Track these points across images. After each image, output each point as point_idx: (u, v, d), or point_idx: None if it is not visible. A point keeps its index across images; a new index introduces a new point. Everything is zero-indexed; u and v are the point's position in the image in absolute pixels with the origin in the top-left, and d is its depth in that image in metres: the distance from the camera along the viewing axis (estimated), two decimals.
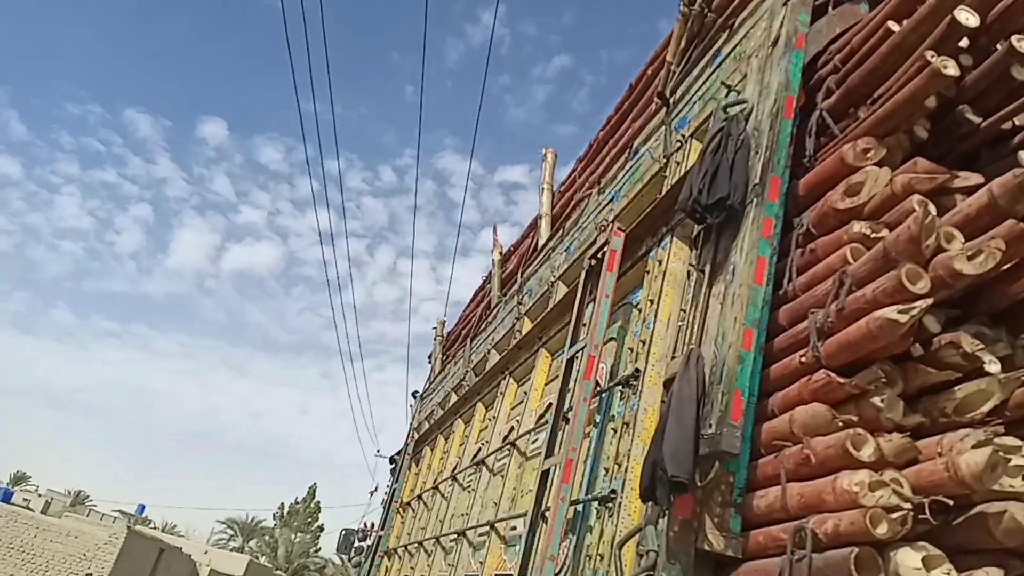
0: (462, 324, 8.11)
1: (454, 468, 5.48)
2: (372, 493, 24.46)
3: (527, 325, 4.72)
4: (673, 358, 2.26)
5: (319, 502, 59.45)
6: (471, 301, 7.91)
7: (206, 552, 33.57)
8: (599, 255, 3.16)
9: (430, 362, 9.30)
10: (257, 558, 41.28)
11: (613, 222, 2.96)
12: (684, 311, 2.35)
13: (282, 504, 58.65)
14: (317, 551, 58.75)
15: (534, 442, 3.74)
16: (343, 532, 10.99)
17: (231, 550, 46.35)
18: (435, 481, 6.01)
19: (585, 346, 2.93)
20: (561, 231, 4.39)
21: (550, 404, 3.71)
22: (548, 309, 4.14)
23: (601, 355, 2.75)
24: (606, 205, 3.71)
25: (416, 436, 7.72)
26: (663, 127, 3.17)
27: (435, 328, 8.94)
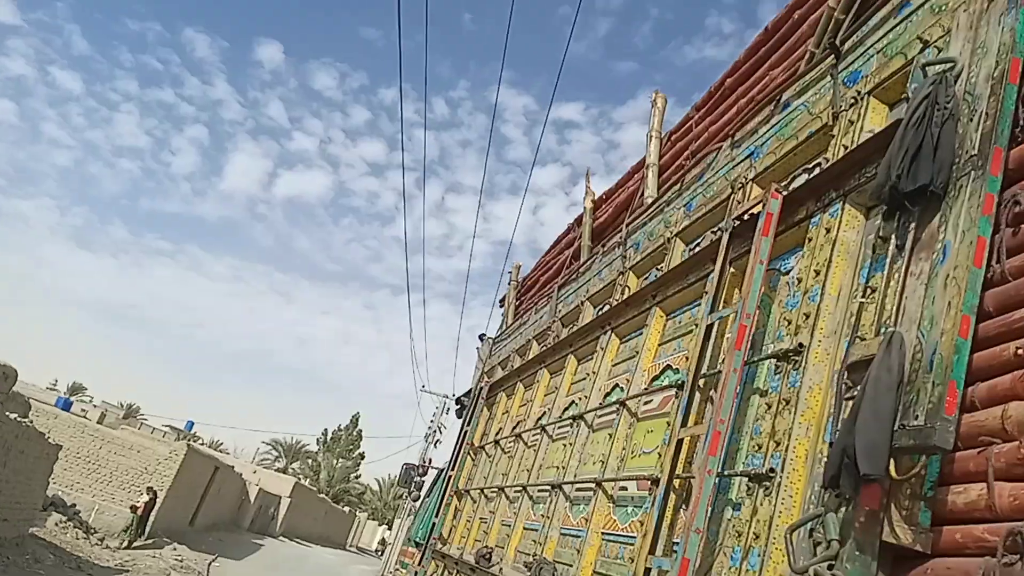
0: (540, 270, 8.00)
1: (540, 418, 5.44)
2: (434, 432, 24.89)
3: (633, 280, 4.58)
4: (857, 338, 2.10)
5: (361, 431, 61.15)
6: (552, 247, 7.77)
7: (255, 471, 34.88)
8: (745, 216, 2.98)
9: (502, 306, 9.26)
10: (300, 480, 42.75)
11: (774, 184, 2.77)
12: (866, 287, 2.18)
13: (325, 430, 60.45)
14: (357, 477, 60.72)
15: (647, 403, 3.64)
16: (404, 466, 11.23)
17: (275, 470, 48.15)
18: (515, 429, 5.99)
19: (733, 313, 2.79)
20: (680, 184, 4.19)
21: (667, 366, 3.61)
22: (666, 267, 3.99)
23: (753, 324, 2.61)
24: (742, 161, 3.51)
25: (488, 380, 7.72)
26: (826, 80, 2.94)
27: (510, 272, 8.85)
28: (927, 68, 2.21)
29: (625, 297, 4.44)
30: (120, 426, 28.29)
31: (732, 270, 3.06)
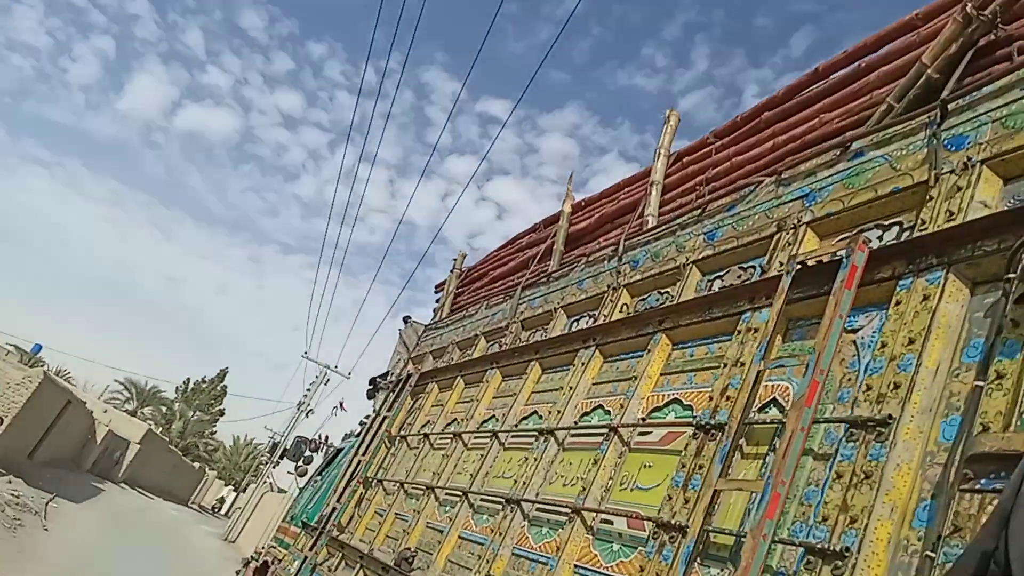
0: (491, 263, 7.68)
1: (486, 421, 5.13)
2: (336, 409, 23.93)
3: (627, 298, 4.35)
4: (981, 425, 1.92)
5: (226, 387, 58.56)
6: (509, 243, 7.46)
7: (106, 411, 32.68)
8: (808, 262, 2.79)
9: (437, 292, 8.87)
10: (152, 428, 40.41)
11: (858, 234, 2.59)
12: (991, 370, 2.00)
13: (187, 379, 57.50)
14: (213, 433, 58.10)
15: (644, 433, 3.41)
16: (297, 440, 10.61)
17: (123, 411, 45.24)
18: (450, 426, 5.66)
19: (800, 365, 2.60)
20: (701, 211, 3.98)
21: (674, 399, 3.39)
22: (678, 294, 3.77)
23: (825, 382, 2.41)
24: (791, 201, 3.33)
25: (417, 368, 7.33)
26: (918, 137, 2.79)
27: (454, 260, 8.47)
28: None
29: (621, 315, 4.19)
30: None
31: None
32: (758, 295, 3.11)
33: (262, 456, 50.42)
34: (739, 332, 3.11)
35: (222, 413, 56.64)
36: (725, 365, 3.06)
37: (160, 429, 47.23)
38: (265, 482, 31.02)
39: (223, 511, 51.91)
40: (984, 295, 2.23)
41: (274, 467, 30.76)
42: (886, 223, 2.83)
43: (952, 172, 2.53)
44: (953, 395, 2.11)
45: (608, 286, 4.53)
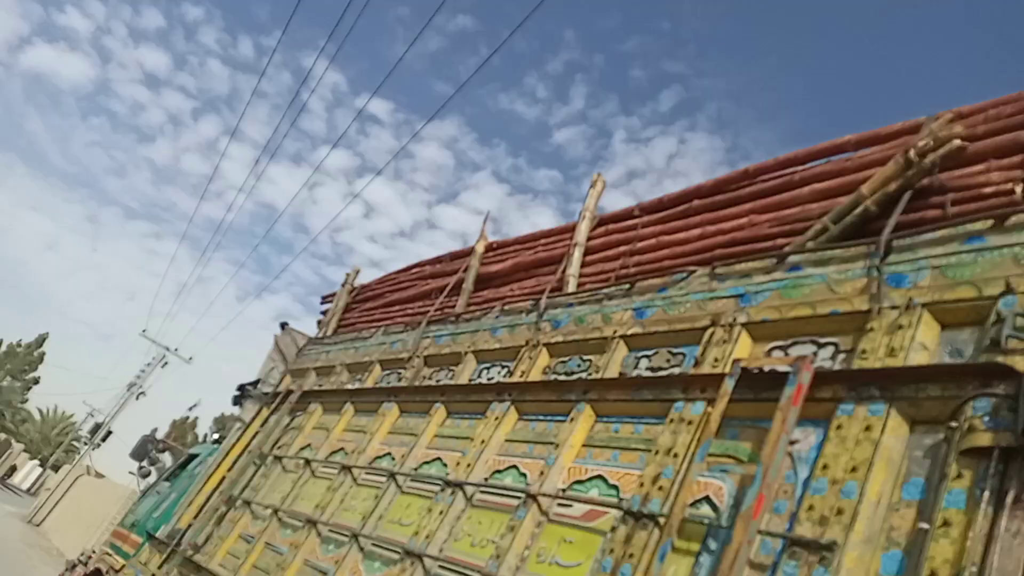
0: (388, 285, 7.52)
1: (379, 458, 5.01)
2: (192, 408, 22.26)
3: (545, 358, 4.39)
4: (931, 574, 2.09)
5: (45, 353, 53.60)
6: (410, 268, 7.34)
7: None
8: (753, 369, 2.95)
9: (323, 303, 8.57)
10: None
11: (794, 345, 2.76)
12: (938, 518, 2.19)
13: (0, 340, 52.10)
14: (24, 402, 52.93)
15: (563, 505, 3.45)
16: (142, 437, 9.85)
17: None
18: (341, 456, 5.47)
19: (741, 474, 2.73)
20: (629, 285, 4.10)
21: (598, 475, 3.46)
22: (604, 366, 3.86)
23: (772, 495, 2.55)
24: (726, 297, 3.50)
25: (299, 384, 7.04)
26: (857, 264, 3.02)
27: (348, 274, 8.23)
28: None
29: (541, 375, 4.24)
30: None
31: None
32: (692, 386, 3.24)
33: (77, 433, 46.45)
34: (671, 420, 3.22)
35: (36, 381, 51.76)
36: (656, 452, 3.16)
37: None
38: (82, 464, 28.56)
39: (27, 489, 47.28)
40: (923, 435, 2.43)
41: (94, 449, 28.41)
42: (821, 341, 3.04)
43: (894, 308, 2.76)
44: (894, 529, 2.29)
45: (527, 341, 4.56)
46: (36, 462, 50.84)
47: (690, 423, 3.13)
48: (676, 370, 3.55)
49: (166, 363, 30.94)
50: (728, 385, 2.95)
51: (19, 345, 51.95)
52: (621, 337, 3.93)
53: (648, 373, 3.66)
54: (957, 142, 3.08)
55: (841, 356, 2.92)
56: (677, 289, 3.85)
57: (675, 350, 3.66)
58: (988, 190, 2.94)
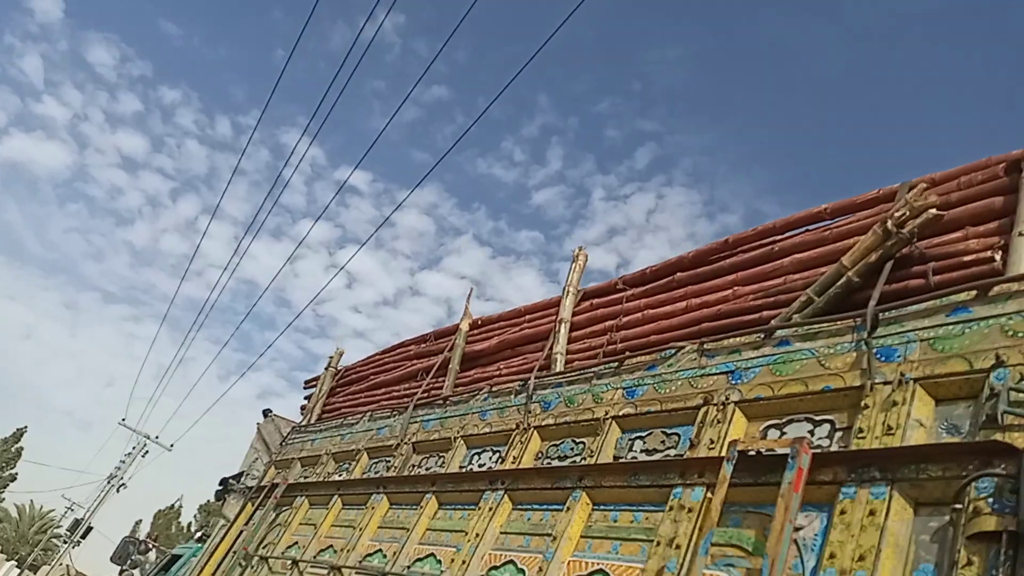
0: (372, 366, 7.42)
1: (370, 555, 4.83)
2: (178, 502, 21.69)
3: (537, 442, 4.30)
4: None
5: (22, 448, 52.18)
6: (394, 348, 7.26)
7: None
8: (749, 451, 2.88)
9: (307, 387, 8.43)
10: None
11: (801, 440, 2.69)
12: None
13: None
14: (0, 500, 51.23)
15: None
16: (123, 540, 9.49)
17: None
18: (329, 555, 5.28)
19: (746, 568, 2.64)
20: (617, 364, 4.06)
21: (599, 570, 3.34)
22: (598, 449, 3.77)
23: None
24: (716, 375, 3.46)
25: (284, 476, 6.84)
26: (844, 338, 3.00)
27: (331, 357, 8.11)
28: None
29: (533, 461, 4.14)
30: None
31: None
32: (689, 471, 3.16)
33: (55, 530, 44.92)
34: (671, 508, 3.13)
35: (13, 478, 50.25)
36: (657, 543, 3.05)
37: None
38: (61, 564, 27.49)
39: None
40: (928, 517, 2.37)
41: (74, 547, 27.41)
42: (816, 418, 2.99)
43: (886, 383, 2.73)
44: None
45: (517, 424, 4.48)
46: (13, 563, 48.91)
47: (690, 511, 3.04)
48: (672, 452, 3.48)
49: (147, 452, 30.21)
50: (727, 470, 2.87)
51: None
52: (613, 418, 3.86)
53: (643, 456, 3.58)
54: (933, 211, 3.11)
55: (838, 434, 2.87)
56: (666, 366, 3.80)
57: (669, 431, 3.59)
58: (968, 258, 2.95)
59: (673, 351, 3.81)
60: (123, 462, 29.85)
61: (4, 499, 50.83)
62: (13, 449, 50.57)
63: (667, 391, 3.68)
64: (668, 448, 3.51)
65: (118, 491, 29.11)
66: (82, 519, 28.08)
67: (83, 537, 27.28)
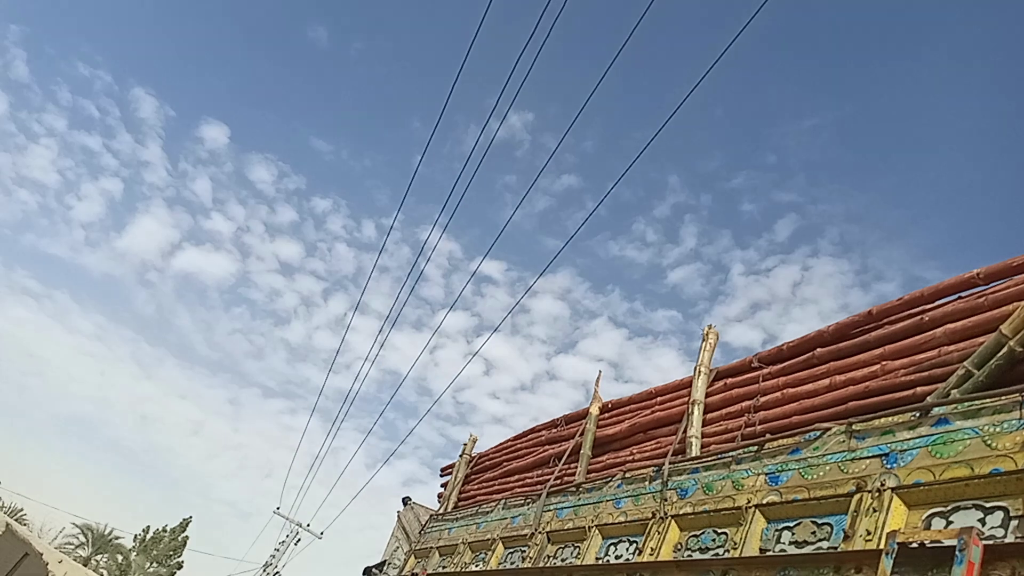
0: (504, 453, 7.43)
1: None
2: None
3: (675, 532, 4.11)
4: None
5: (188, 537, 55.38)
6: (526, 434, 7.25)
7: (61, 562, 30.58)
8: (920, 544, 2.62)
9: (443, 475, 8.53)
10: None
11: (970, 530, 2.43)
12: None
13: (147, 527, 54.39)
14: None
15: None
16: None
17: (75, 559, 42.53)
18: None
19: None
20: (759, 448, 3.85)
21: None
22: (741, 541, 3.56)
23: None
24: (869, 458, 3.21)
25: (424, 567, 6.87)
26: (1012, 415, 2.71)
27: (464, 444, 8.20)
28: None
29: (673, 553, 3.95)
30: None
31: None
32: (845, 565, 2.91)
33: None
34: None
35: (180, 566, 53.22)
36: None
37: None
38: None
39: None
40: None
41: None
42: (987, 505, 2.69)
43: None
44: None
45: (653, 513, 4.30)
46: None
47: None
48: (824, 544, 3.22)
49: (299, 540, 31.24)
50: (887, 565, 2.62)
51: (164, 531, 54.09)
52: (756, 507, 3.64)
53: (793, 549, 3.33)
54: None
55: (1014, 523, 2.57)
56: (812, 450, 3.57)
57: (819, 520, 3.33)
58: None
59: (818, 433, 3.58)
60: (277, 550, 30.97)
61: None
62: (180, 538, 53.74)
63: (814, 477, 3.44)
64: (820, 540, 3.25)
65: None
66: None
67: None
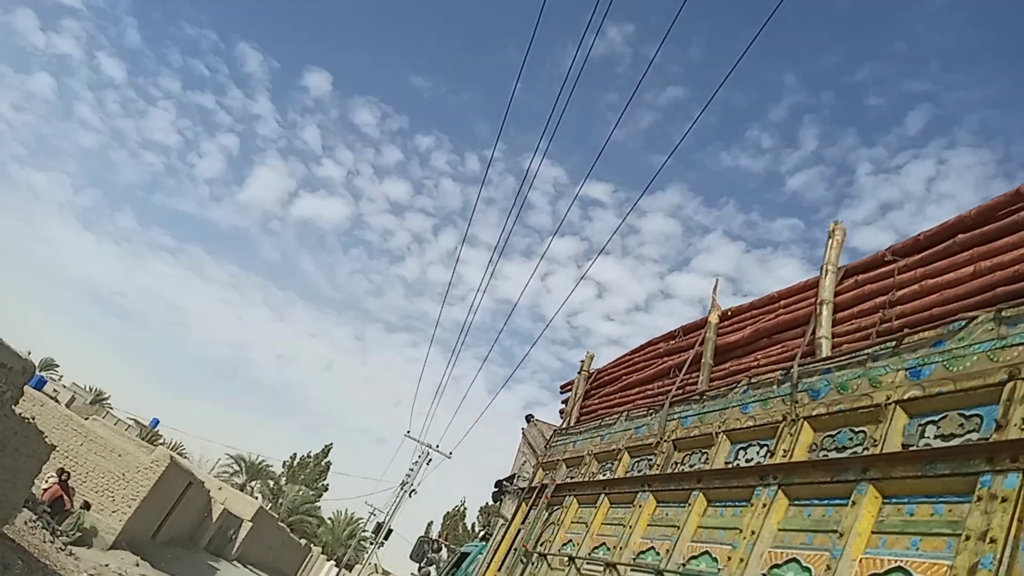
0: (623, 367, 7.43)
1: (642, 553, 4.80)
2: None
3: (808, 433, 4.00)
4: None
5: (330, 463, 59.58)
6: (643, 348, 7.21)
7: (220, 488, 33.61)
8: None
9: (563, 392, 8.66)
10: (262, 504, 41.29)
11: None
12: None
13: (294, 455, 58.94)
14: (317, 509, 58.90)
15: None
16: (419, 540, 10.44)
17: (234, 485, 46.58)
18: (602, 552, 5.34)
19: None
20: (896, 343, 3.65)
21: (897, 567, 3.01)
22: (881, 439, 3.42)
23: None
24: (1022, 345, 2.98)
25: (552, 477, 7.07)
26: None
27: (582, 361, 8.27)
28: None
29: (807, 454, 3.86)
30: (91, 415, 27.30)
31: None
32: (999, 455, 2.75)
33: (363, 533, 50.58)
34: (979, 498, 2.74)
35: (326, 488, 57.51)
36: (967, 537, 2.68)
37: (268, 505, 48.31)
38: (370, 563, 30.86)
39: None
40: None
41: (379, 548, 30.63)
42: None
43: None
44: None
45: (784, 416, 4.20)
46: (332, 563, 55.90)
47: (1004, 500, 2.63)
48: (974, 436, 3.04)
49: (430, 460, 32.95)
50: None
51: (309, 457, 58.31)
52: (897, 403, 3.47)
53: (939, 443, 3.17)
54: None
55: None
56: (956, 341, 3.35)
57: (967, 412, 3.15)
58: None
59: (963, 323, 3.35)
60: (411, 470, 32.84)
61: (320, 507, 58.26)
62: (323, 463, 57.86)
63: (960, 368, 3.23)
64: (969, 432, 3.08)
65: (410, 496, 32.05)
66: (383, 523, 31.30)
67: (385, 539, 30.38)
